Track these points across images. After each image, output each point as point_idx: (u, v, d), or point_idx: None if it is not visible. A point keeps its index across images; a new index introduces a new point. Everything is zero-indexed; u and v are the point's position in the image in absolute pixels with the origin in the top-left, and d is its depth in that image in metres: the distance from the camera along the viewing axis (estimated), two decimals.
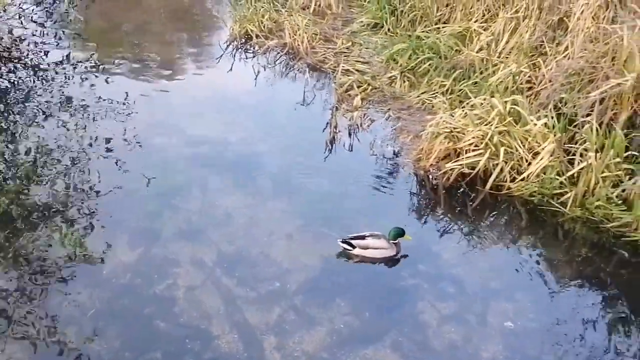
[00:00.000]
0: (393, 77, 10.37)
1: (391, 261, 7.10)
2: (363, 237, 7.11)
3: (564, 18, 9.34)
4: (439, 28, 10.97)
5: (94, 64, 11.08)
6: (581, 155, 7.97)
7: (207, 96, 10.29)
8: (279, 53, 11.56)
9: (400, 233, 7.14)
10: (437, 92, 9.71)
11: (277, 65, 11.33)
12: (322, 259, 7.11)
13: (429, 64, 10.19)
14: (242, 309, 6.46)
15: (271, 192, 8.11)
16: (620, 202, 7.69)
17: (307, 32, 11.59)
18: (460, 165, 8.15)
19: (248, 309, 6.46)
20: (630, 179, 7.72)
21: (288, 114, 9.98)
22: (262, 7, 12.43)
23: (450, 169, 8.17)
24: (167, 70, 11.30)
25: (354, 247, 7.09)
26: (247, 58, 11.65)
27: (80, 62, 11.11)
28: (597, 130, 8.01)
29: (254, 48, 11.83)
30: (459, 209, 8.00)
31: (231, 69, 11.30)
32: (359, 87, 10.19)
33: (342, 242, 7.12)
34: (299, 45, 11.48)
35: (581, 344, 6.21)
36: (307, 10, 12.78)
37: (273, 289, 6.73)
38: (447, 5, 11.26)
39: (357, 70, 10.68)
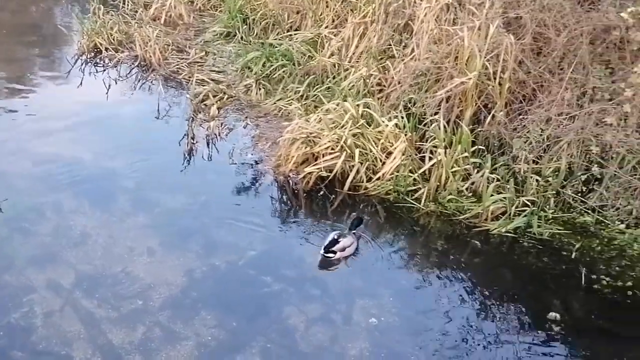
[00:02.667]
0: (249, 85, 10.37)
1: (255, 267, 7.11)
2: (336, 241, 7.17)
3: (409, 22, 9.67)
4: (291, 35, 11.09)
5: None
6: (431, 152, 8.28)
7: (56, 113, 9.86)
8: (130, 65, 11.29)
9: (358, 222, 7.39)
10: (292, 99, 9.80)
11: (130, 78, 11.06)
12: (186, 273, 6.97)
13: (283, 71, 10.28)
14: (104, 331, 6.22)
15: (129, 209, 7.88)
16: (470, 194, 8.06)
17: (158, 44, 11.40)
18: (318, 168, 8.26)
19: (111, 330, 6.23)
20: (478, 172, 8.10)
21: (143, 127, 9.74)
22: (111, 19, 12.07)
23: (309, 173, 8.26)
24: (14, 87, 10.76)
25: (335, 253, 7.13)
26: (97, 72, 11.30)
27: None
28: (445, 127, 8.36)
29: (104, 61, 11.51)
30: (319, 211, 8.11)
31: (81, 84, 10.92)
32: (214, 96, 10.11)
33: (325, 253, 7.13)
34: (151, 56, 11.27)
35: (442, 333, 6.41)
36: (158, 21, 12.60)
37: (136, 307, 6.53)
38: (297, 13, 11.40)
39: (211, 80, 10.60)
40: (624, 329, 6.48)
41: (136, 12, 12.57)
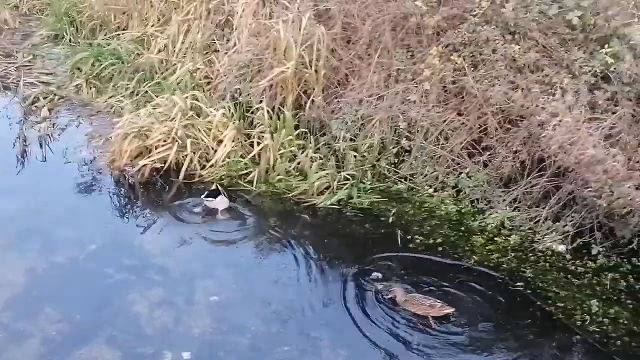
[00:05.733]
0: (79, 85, 9.99)
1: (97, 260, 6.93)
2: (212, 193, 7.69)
3: (229, 17, 9.70)
4: (119, 35, 10.78)
5: None
6: (259, 137, 8.40)
7: None
8: None
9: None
10: (123, 95, 9.56)
11: None
12: (26, 272, 6.68)
13: (113, 69, 9.99)
14: None
15: None
16: (297, 173, 8.26)
17: None
18: (152, 160, 8.14)
19: None
20: (302, 152, 8.31)
21: None
22: None
23: (144, 166, 8.12)
24: None
25: (215, 197, 7.63)
26: None
27: None
28: (269, 114, 8.51)
29: None
30: (157, 201, 8.00)
31: None
32: (45, 98, 9.67)
33: (205, 197, 7.62)
34: None
35: (280, 302, 6.54)
36: None
37: None
38: (124, 13, 11.07)
39: (41, 82, 10.12)
40: (436, 280, 6.92)
41: None
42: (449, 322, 6.40)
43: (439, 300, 6.48)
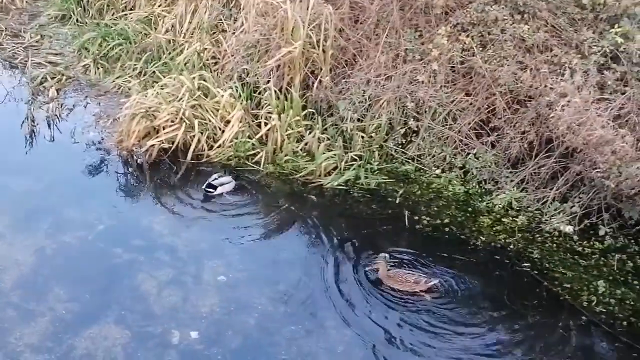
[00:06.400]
0: (87, 66, 9.98)
1: (106, 240, 6.95)
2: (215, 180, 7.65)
3: None
4: (126, 15, 10.71)
5: None
6: (266, 118, 8.38)
7: None
8: None
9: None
10: (130, 76, 9.53)
11: None
12: (36, 252, 6.72)
13: (120, 49, 9.95)
14: None
15: None
16: (304, 154, 8.24)
17: None
18: (160, 141, 8.14)
19: None
20: (310, 133, 8.28)
21: None
22: None
23: (152, 146, 8.12)
24: None
25: (215, 188, 7.57)
26: None
27: None
28: (277, 94, 8.47)
29: None
30: (165, 181, 8.00)
31: None
32: (52, 78, 9.65)
33: (207, 188, 7.59)
34: None
35: (286, 281, 6.60)
36: None
37: None
38: None
39: (49, 63, 10.09)
40: (443, 260, 6.92)
41: None
42: (457, 302, 6.41)
43: (422, 275, 6.56)
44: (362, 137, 8.24)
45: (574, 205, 7.26)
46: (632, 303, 6.41)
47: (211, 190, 7.61)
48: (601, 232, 7.13)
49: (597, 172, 6.92)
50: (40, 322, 5.98)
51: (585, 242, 7.15)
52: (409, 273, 6.56)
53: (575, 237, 7.19)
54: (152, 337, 5.93)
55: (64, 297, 6.24)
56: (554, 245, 7.13)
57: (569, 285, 6.61)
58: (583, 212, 7.24)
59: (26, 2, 12.08)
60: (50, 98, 9.26)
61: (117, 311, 6.15)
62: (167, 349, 5.84)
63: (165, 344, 5.88)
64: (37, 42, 10.80)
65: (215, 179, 7.65)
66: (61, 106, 9.17)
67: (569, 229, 7.22)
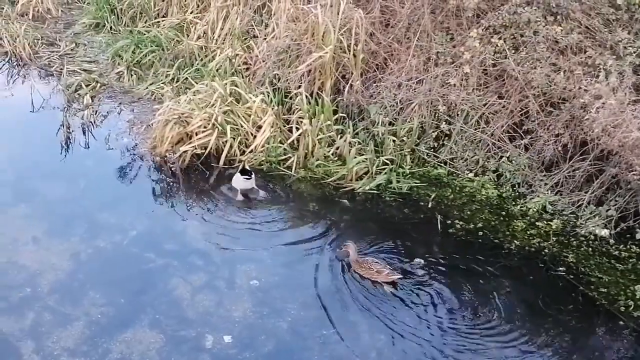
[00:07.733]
0: (120, 73, 10.09)
1: (139, 245, 7.03)
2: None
3: (267, 3, 9.69)
4: (158, 22, 10.84)
5: None
6: (298, 123, 8.39)
7: None
8: (0, 62, 10.69)
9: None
10: (163, 82, 9.61)
11: (1, 74, 10.46)
12: (71, 257, 6.80)
13: (153, 56, 10.05)
14: None
15: (10, 200, 7.55)
16: (336, 159, 8.23)
17: (27, 38, 10.85)
18: (193, 147, 8.19)
19: (0, 320, 6.03)
20: (341, 137, 8.27)
21: (18, 120, 9.24)
22: None
23: (185, 152, 8.18)
24: None
25: (251, 174, 7.65)
26: None
27: None
28: (308, 99, 8.49)
29: None
30: (197, 187, 8.03)
31: None
32: (87, 85, 9.78)
33: (242, 174, 7.64)
34: (21, 51, 10.71)
35: (318, 285, 6.59)
36: (26, 17, 11.94)
37: (24, 294, 6.34)
38: (163, 0, 11.12)
39: (84, 70, 10.23)
40: (477, 265, 6.86)
41: (2, 9, 11.84)
42: (492, 308, 6.34)
43: (388, 267, 6.60)
44: (394, 141, 8.21)
45: (609, 209, 7.15)
46: None
47: (247, 176, 7.63)
48: (638, 236, 7.01)
49: (634, 174, 6.81)
50: (76, 326, 6.05)
51: (621, 245, 7.04)
52: (375, 262, 6.62)
53: (612, 241, 7.08)
54: (186, 341, 5.97)
55: (99, 302, 6.31)
56: (590, 249, 7.02)
57: (605, 290, 6.50)
58: (619, 215, 7.13)
59: (61, 11, 12.26)
60: (85, 105, 9.38)
61: (151, 315, 6.20)
62: (200, 353, 5.87)
63: (199, 348, 5.92)
64: (72, 50, 10.95)
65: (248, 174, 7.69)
66: (95, 113, 9.29)
67: (604, 232, 7.11)
